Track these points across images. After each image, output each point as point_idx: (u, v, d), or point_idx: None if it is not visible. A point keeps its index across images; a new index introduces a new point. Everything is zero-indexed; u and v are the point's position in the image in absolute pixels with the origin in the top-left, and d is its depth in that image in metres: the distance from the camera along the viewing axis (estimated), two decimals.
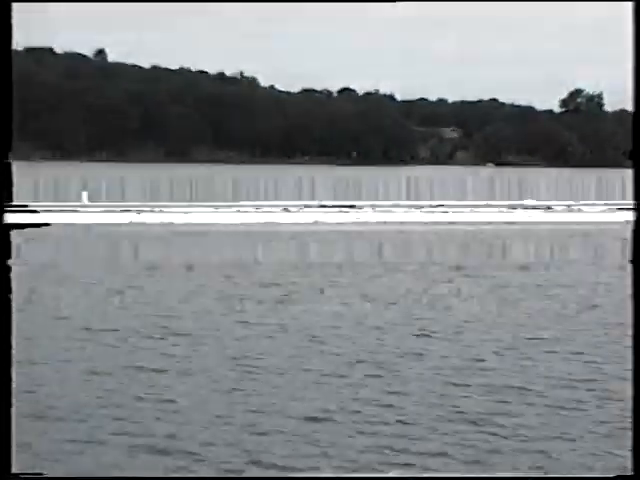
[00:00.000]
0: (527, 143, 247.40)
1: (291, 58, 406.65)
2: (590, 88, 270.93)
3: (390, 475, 14.46)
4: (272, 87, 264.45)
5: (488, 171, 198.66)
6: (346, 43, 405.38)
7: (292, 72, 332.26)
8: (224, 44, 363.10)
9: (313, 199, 69.35)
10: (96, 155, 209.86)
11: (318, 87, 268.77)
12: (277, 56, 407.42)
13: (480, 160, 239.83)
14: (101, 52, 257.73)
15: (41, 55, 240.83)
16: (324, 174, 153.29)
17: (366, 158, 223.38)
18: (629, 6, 5.98)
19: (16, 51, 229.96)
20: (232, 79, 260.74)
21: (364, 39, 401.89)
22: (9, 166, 7.63)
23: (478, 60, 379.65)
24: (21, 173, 50.83)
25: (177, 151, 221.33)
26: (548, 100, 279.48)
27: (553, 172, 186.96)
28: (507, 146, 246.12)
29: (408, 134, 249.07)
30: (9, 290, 7.25)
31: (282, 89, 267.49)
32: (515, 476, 14.43)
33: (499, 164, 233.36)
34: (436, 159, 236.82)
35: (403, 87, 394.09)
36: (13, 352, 6.79)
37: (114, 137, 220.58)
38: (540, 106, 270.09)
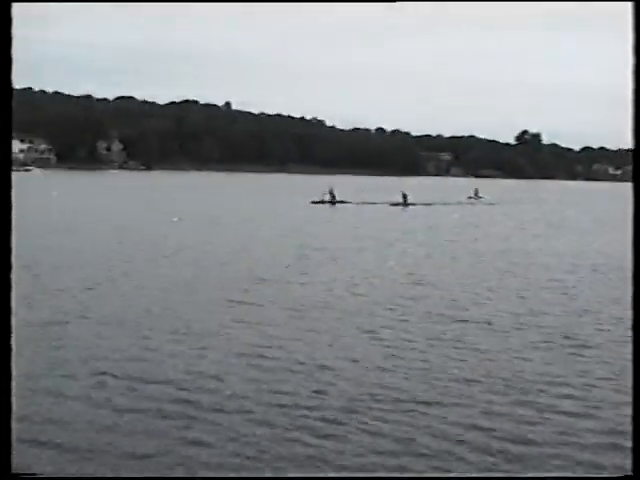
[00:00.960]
0: (495, 163, 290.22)
1: (345, 107, 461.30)
2: (533, 129, 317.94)
3: (390, 475, 11.43)
4: (333, 127, 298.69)
5: (466, 180, 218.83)
6: (379, 96, 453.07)
7: (346, 116, 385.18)
8: (306, 97, 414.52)
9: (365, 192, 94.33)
10: (223, 168, 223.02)
11: (362, 126, 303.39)
12: (337, 104, 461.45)
13: (465, 174, 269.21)
14: (228, 104, 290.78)
15: (189, 106, 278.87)
16: (368, 180, 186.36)
17: (392, 171, 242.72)
18: (629, 6, 5.21)
19: (186, 103, 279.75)
20: (309, 121, 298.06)
21: (392, 92, 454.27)
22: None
23: (461, 111, 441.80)
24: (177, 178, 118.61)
25: (278, 166, 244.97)
26: (507, 136, 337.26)
27: (511, 182, 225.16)
28: (482, 165, 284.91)
29: (418, 156, 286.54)
30: (9, 290, 5.85)
31: (340, 127, 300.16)
32: (515, 476, 11.36)
33: (477, 176, 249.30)
34: (437, 173, 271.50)
35: (415, 126, 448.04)
36: (13, 352, 5.71)
37: (237, 156, 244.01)
38: (503, 140, 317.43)
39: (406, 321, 23.71)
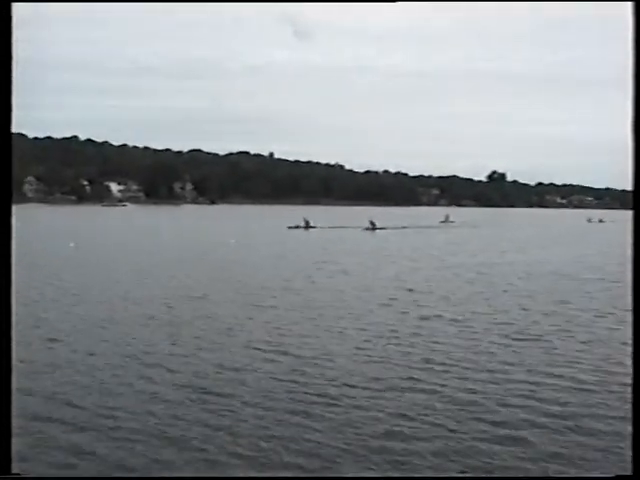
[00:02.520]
0: (473, 195, 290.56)
1: (359, 155, 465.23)
2: (500, 170, 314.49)
3: (390, 475, 9.68)
4: (351, 170, 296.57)
5: (450, 209, 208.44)
6: (386, 146, 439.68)
7: (360, 162, 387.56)
8: (330, 148, 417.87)
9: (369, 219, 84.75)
10: (268, 201, 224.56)
11: (372, 169, 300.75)
12: (353, 153, 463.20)
13: (450, 204, 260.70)
14: (271, 154, 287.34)
15: (242, 156, 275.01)
16: (374, 209, 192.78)
17: (395, 202, 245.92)
18: (629, 6, 4.18)
19: (240, 153, 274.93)
20: (332, 165, 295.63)
21: (396, 143, 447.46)
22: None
23: (446, 157, 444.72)
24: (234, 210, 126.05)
25: (312, 200, 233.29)
26: (481, 175, 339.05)
27: (484, 209, 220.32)
28: (462, 197, 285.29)
29: (415, 191, 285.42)
30: (9, 291, 4.43)
31: (356, 170, 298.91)
32: (515, 476, 9.55)
33: (459, 205, 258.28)
34: (429, 203, 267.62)
35: (413, 169, 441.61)
36: (13, 352, 4.30)
37: (278, 192, 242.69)
38: (477, 178, 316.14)
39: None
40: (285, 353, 17.26)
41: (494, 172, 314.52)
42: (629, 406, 3.85)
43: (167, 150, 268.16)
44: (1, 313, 4.35)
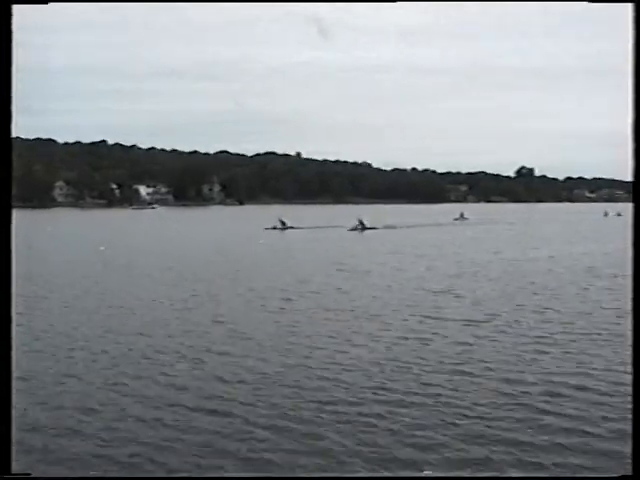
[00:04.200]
0: (501, 191, 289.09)
1: (386, 153, 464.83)
2: (528, 165, 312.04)
3: (390, 475, 9.54)
4: (379, 168, 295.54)
5: (478, 205, 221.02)
6: (413, 143, 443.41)
7: (388, 159, 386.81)
8: (357, 146, 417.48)
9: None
10: (296, 201, 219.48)
11: (399, 167, 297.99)
12: (380, 151, 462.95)
13: (478, 200, 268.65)
14: (299, 154, 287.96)
15: (270, 156, 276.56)
16: (406, 206, 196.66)
17: (423, 200, 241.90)
18: (629, 6, 4.27)
19: (267, 154, 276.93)
20: (360, 164, 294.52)
21: (423, 140, 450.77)
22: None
23: (475, 153, 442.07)
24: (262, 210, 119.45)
25: (340, 199, 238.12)
26: (509, 171, 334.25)
27: (516, 206, 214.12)
28: (490, 193, 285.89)
29: (443, 188, 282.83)
30: (9, 291, 4.58)
31: (384, 168, 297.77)
32: (515, 476, 9.56)
33: (487, 201, 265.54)
34: (457, 200, 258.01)
35: (440, 166, 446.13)
36: (13, 351, 4.44)
37: (306, 192, 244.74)
38: (505, 174, 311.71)
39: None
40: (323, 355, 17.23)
41: (522, 167, 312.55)
42: None
43: (195, 152, 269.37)
44: (1, 315, 4.44)
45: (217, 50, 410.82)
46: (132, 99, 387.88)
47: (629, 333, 4.86)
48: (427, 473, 9.73)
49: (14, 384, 4.53)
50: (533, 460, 10.27)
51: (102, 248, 49.43)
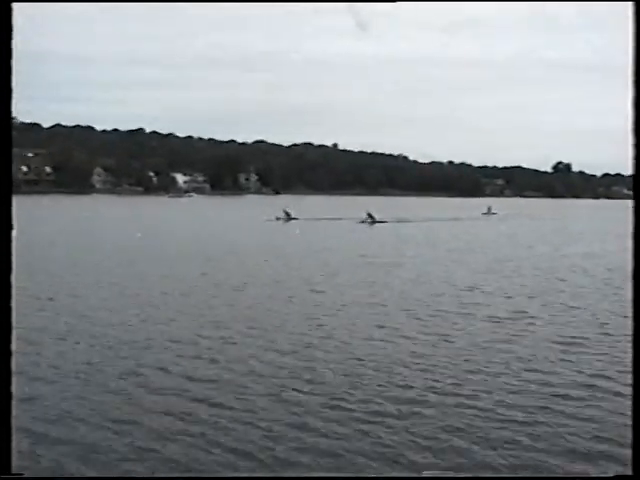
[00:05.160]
0: (537, 186, 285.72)
1: (423, 145, 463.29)
2: (565, 161, 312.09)
3: (390, 475, 9.36)
4: (415, 161, 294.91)
5: (514, 200, 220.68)
6: (450, 136, 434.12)
7: (425, 152, 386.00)
8: (393, 138, 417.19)
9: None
10: (331, 192, 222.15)
11: (436, 160, 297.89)
12: (417, 143, 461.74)
13: (514, 195, 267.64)
14: (335, 145, 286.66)
15: (306, 147, 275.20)
16: (438, 199, 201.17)
17: (459, 193, 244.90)
18: (629, 6, 4.18)
19: (304, 144, 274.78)
20: (396, 156, 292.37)
21: (460, 133, 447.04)
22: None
23: (511, 148, 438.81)
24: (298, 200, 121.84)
25: (375, 190, 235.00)
26: (546, 166, 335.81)
27: (551, 201, 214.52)
28: (527, 187, 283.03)
29: (479, 182, 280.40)
30: (9, 289, 4.32)
31: (420, 161, 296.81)
32: (515, 476, 9.43)
33: (523, 196, 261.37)
34: (493, 194, 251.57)
35: (477, 159, 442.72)
36: (13, 351, 4.24)
37: (342, 183, 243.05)
38: (542, 169, 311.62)
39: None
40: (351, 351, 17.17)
41: (559, 163, 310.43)
42: None
43: (231, 141, 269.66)
44: (1, 314, 4.30)
45: (256, 41, 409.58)
46: (170, 88, 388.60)
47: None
48: (427, 473, 9.53)
49: (15, 384, 4.38)
50: (533, 460, 10.17)
51: (139, 235, 49.84)
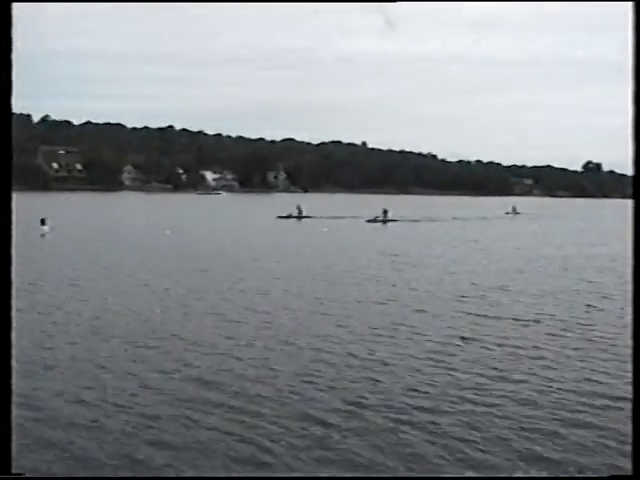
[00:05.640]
0: (567, 186, 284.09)
1: (452, 144, 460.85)
2: (595, 160, 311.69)
3: (390, 475, 9.38)
4: (443, 160, 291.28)
5: (543, 199, 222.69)
6: (478, 136, 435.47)
7: (453, 151, 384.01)
8: (422, 137, 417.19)
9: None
10: (360, 191, 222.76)
11: (464, 159, 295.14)
12: (445, 141, 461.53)
13: (543, 194, 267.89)
14: (364, 143, 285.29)
15: (335, 145, 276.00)
16: (466, 198, 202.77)
17: (487, 192, 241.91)
18: (629, 6, 4.20)
19: (333, 143, 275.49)
20: (425, 155, 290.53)
21: (488, 132, 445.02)
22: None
23: (540, 147, 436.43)
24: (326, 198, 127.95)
25: (403, 189, 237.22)
26: (575, 165, 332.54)
27: (581, 201, 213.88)
28: (557, 187, 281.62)
29: (508, 181, 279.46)
30: (9, 288, 4.22)
31: (449, 160, 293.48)
32: (515, 476, 9.38)
33: (552, 195, 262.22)
34: (522, 194, 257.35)
35: (505, 158, 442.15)
36: (13, 351, 4.22)
37: (370, 182, 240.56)
38: (572, 169, 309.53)
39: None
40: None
41: (589, 162, 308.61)
42: None
43: (260, 139, 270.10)
44: (1, 313, 4.27)
45: (285, 39, 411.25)
46: (199, 86, 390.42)
47: None
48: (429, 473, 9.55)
49: (15, 379, 4.43)
50: (533, 460, 10.08)
51: (168, 232, 50.11)
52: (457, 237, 55.63)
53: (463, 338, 17.75)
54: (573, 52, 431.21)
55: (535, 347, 17.16)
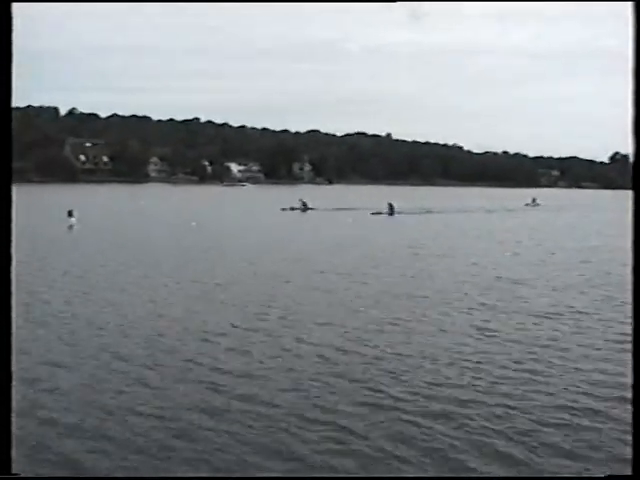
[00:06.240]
0: (593, 177, 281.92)
1: (477, 136, 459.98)
2: (623, 151, 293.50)
3: (390, 475, 9.31)
4: (469, 151, 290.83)
5: (569, 190, 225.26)
6: (504, 127, 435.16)
7: (479, 142, 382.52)
8: (447, 128, 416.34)
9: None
10: (385, 182, 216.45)
11: (490, 150, 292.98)
12: (471, 132, 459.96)
13: (569, 186, 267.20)
14: (389, 135, 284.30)
15: (360, 137, 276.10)
16: (500, 190, 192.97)
17: (513, 184, 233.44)
18: (629, 6, 4.20)
19: (358, 134, 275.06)
20: (450, 146, 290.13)
21: (515, 124, 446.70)
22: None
23: (567, 138, 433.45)
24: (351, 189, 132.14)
25: (429, 180, 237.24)
26: (602, 157, 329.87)
27: (607, 192, 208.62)
28: (583, 178, 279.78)
29: (534, 173, 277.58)
30: (9, 288, 4.12)
31: (475, 151, 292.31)
32: (515, 476, 9.28)
33: (579, 187, 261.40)
34: (548, 185, 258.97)
35: (532, 149, 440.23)
36: (13, 351, 4.14)
37: (395, 173, 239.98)
38: (599, 160, 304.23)
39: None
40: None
41: (616, 153, 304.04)
42: None
43: (285, 131, 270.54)
44: (1, 311, 4.23)
45: (310, 31, 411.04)
46: (224, 78, 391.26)
47: None
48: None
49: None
50: (532, 459, 9.96)
51: (193, 224, 50.29)
52: (462, 231, 53.93)
53: None
54: (603, 42, 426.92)
55: (553, 339, 17.17)
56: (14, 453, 4.26)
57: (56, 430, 10.87)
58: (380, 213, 67.61)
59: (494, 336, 17.47)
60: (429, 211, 75.68)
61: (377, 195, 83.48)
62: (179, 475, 9.39)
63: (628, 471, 4.50)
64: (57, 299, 21.33)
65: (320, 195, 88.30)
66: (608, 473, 9.23)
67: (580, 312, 20.72)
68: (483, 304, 21.69)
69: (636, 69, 4.43)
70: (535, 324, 19.00)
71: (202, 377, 13.58)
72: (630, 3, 4.44)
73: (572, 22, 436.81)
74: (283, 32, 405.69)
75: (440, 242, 43.33)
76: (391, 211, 69.21)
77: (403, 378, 13.68)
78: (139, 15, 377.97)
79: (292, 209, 72.43)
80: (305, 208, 73.71)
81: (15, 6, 4.11)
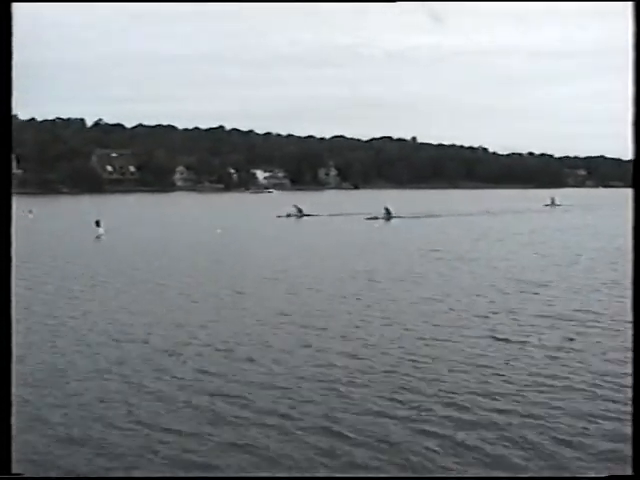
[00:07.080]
0: (621, 176, 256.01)
1: (502, 137, 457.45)
2: None
3: (390, 475, 9.29)
4: (494, 153, 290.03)
5: (596, 190, 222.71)
6: (530, 128, 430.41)
7: (505, 143, 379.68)
8: (472, 130, 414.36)
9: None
10: (410, 186, 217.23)
11: (516, 151, 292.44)
12: (496, 135, 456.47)
13: (596, 185, 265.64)
14: (414, 138, 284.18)
15: (385, 141, 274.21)
16: (525, 191, 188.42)
17: (540, 185, 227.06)
18: (629, 6, 4.22)
19: (383, 139, 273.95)
20: (475, 148, 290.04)
21: (540, 124, 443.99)
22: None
23: (593, 137, 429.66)
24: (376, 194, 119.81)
25: (454, 183, 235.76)
26: (629, 155, 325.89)
27: (629, 191, 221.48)
28: (610, 177, 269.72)
29: (561, 173, 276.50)
30: (9, 289, 4.17)
31: (500, 152, 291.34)
32: (515, 476, 9.32)
33: (606, 186, 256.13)
34: (575, 185, 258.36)
35: (558, 149, 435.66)
36: (13, 351, 4.15)
37: (420, 177, 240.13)
38: (626, 158, 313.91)
39: None
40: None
41: None
42: None
43: (310, 137, 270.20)
44: (1, 312, 4.26)
45: (333, 37, 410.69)
46: (248, 86, 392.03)
47: None
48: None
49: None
50: (532, 459, 9.95)
51: (219, 231, 50.48)
52: (459, 235, 52.11)
53: None
54: (622, 41, 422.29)
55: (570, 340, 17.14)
56: (14, 453, 4.29)
57: (56, 430, 10.91)
58: (376, 218, 65.11)
59: (509, 340, 17.33)
60: (430, 215, 73.61)
61: (390, 199, 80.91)
62: (179, 475, 9.40)
63: (628, 471, 4.53)
64: (76, 309, 21.41)
65: (325, 201, 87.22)
66: (608, 473, 9.17)
67: (595, 313, 20.55)
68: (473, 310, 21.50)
69: (636, 69, 4.45)
70: (548, 327, 18.83)
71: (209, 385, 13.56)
72: (630, 3, 4.44)
73: (591, 21, 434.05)
74: (307, 39, 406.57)
75: (431, 245, 42.37)
76: (388, 215, 66.58)
77: (442, 387, 13.51)
78: (161, 22, 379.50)
79: (288, 216, 71.18)
80: (300, 215, 72.64)
81: (15, 6, 4.13)
